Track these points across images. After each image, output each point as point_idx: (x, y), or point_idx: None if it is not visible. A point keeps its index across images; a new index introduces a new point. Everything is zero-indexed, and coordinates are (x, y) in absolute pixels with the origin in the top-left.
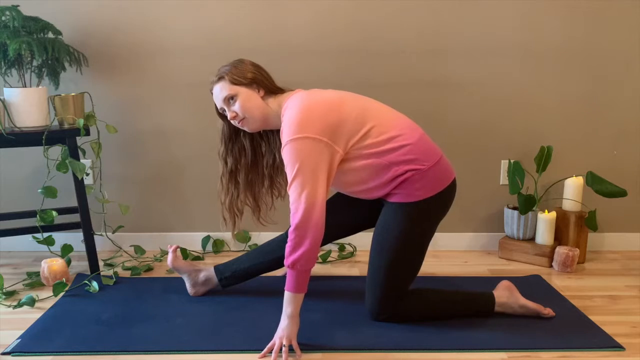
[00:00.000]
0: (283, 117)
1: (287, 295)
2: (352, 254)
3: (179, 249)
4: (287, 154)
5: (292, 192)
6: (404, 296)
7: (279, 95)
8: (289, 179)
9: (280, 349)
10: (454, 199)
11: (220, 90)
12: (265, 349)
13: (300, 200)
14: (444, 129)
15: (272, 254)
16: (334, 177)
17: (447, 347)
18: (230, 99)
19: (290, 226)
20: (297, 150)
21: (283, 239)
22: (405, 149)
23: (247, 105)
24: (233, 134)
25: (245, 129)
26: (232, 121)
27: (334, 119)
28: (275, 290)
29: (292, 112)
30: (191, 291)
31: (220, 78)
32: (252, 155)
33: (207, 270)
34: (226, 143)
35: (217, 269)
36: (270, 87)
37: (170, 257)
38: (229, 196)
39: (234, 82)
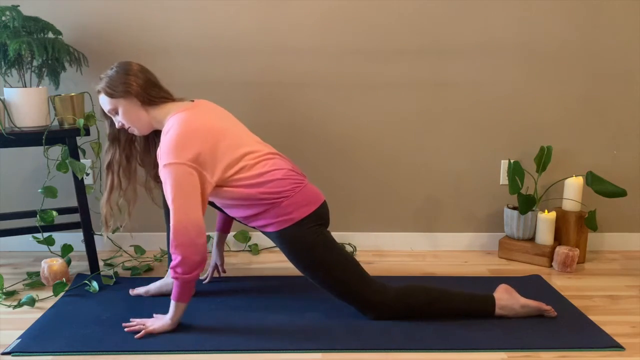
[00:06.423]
0: (164, 135)
1: (172, 302)
2: (351, 254)
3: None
4: (163, 176)
5: (171, 213)
6: (378, 293)
7: (167, 103)
8: (167, 201)
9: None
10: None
11: (102, 103)
12: (135, 325)
13: (178, 222)
14: (444, 129)
15: None
16: (208, 198)
17: (447, 347)
18: (113, 111)
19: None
20: (172, 175)
21: None
22: (275, 183)
23: (129, 117)
24: (118, 132)
25: (135, 134)
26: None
27: (208, 148)
28: (276, 291)
29: (170, 135)
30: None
31: (99, 91)
32: (144, 146)
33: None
34: (113, 141)
35: None
36: (148, 98)
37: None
38: (114, 189)
39: (110, 95)
